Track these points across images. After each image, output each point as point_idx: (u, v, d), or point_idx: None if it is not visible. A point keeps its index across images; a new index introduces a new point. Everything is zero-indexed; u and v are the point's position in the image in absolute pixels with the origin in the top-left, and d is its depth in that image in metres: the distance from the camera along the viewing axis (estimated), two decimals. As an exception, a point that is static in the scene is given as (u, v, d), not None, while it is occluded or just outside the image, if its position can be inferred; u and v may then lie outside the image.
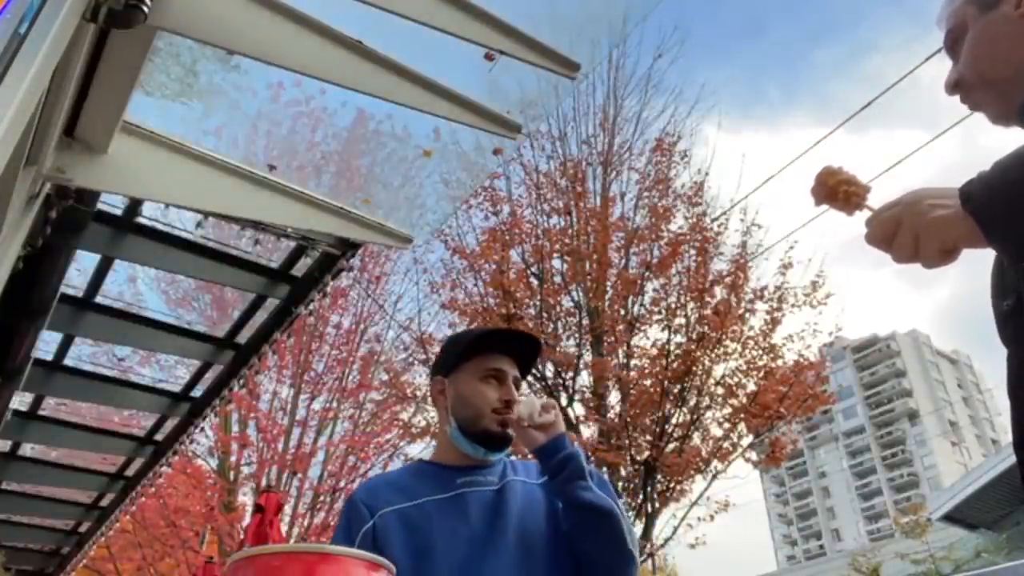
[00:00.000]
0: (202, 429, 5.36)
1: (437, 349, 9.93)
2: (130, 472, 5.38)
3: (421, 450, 10.54)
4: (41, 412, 4.81)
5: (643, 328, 9.42)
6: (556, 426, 1.51)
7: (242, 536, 8.38)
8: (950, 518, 16.72)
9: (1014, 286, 0.99)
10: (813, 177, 1.06)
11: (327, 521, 10.99)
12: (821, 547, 74.69)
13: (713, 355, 9.03)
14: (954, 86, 1.12)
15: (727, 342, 9.10)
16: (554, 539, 1.46)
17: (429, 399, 9.96)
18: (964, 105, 1.13)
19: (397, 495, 1.50)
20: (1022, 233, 0.85)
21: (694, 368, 8.88)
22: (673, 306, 9.23)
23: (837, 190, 1.02)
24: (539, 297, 9.48)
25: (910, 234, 0.91)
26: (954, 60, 1.12)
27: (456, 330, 9.92)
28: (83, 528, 6.28)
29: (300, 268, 3.59)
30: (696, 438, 9.05)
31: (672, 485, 8.73)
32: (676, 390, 8.85)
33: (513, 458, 1.68)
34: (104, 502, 5.83)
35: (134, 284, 9.76)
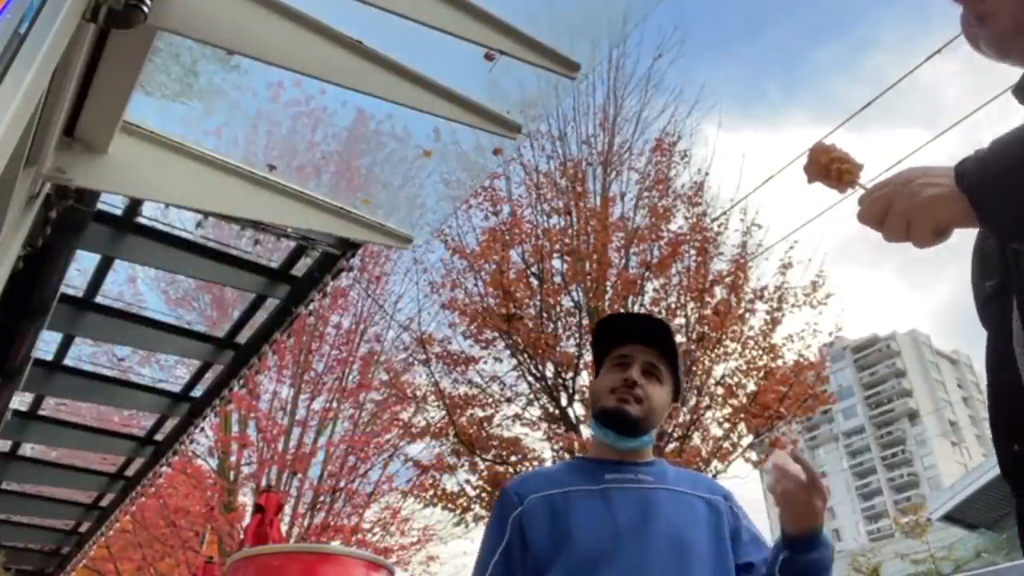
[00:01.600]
0: (202, 429, 5.36)
1: (437, 349, 9.97)
2: (130, 472, 5.38)
3: (421, 450, 10.55)
4: (41, 412, 4.82)
5: (643, 328, 9.41)
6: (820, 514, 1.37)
7: (242, 536, 8.38)
8: (950, 518, 16.72)
9: (997, 267, 0.98)
10: (806, 154, 1.05)
11: (327, 521, 10.99)
12: (821, 547, 74.50)
13: (713, 355, 9.03)
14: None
15: (727, 342, 9.09)
16: (716, 554, 1.43)
17: (429, 399, 10.02)
18: (964, 13, 1.00)
19: (547, 483, 1.53)
20: (1014, 215, 0.84)
21: (694, 368, 8.88)
22: (673, 306, 9.23)
23: (830, 167, 1.01)
24: (539, 297, 9.48)
25: (902, 214, 0.89)
26: None
27: (457, 330, 9.95)
28: (83, 528, 6.28)
29: (300, 268, 3.59)
30: (696, 438, 9.04)
31: (672, 485, 8.71)
32: (676, 390, 8.85)
33: (678, 467, 1.68)
34: (104, 502, 5.83)
35: (134, 284, 9.78)
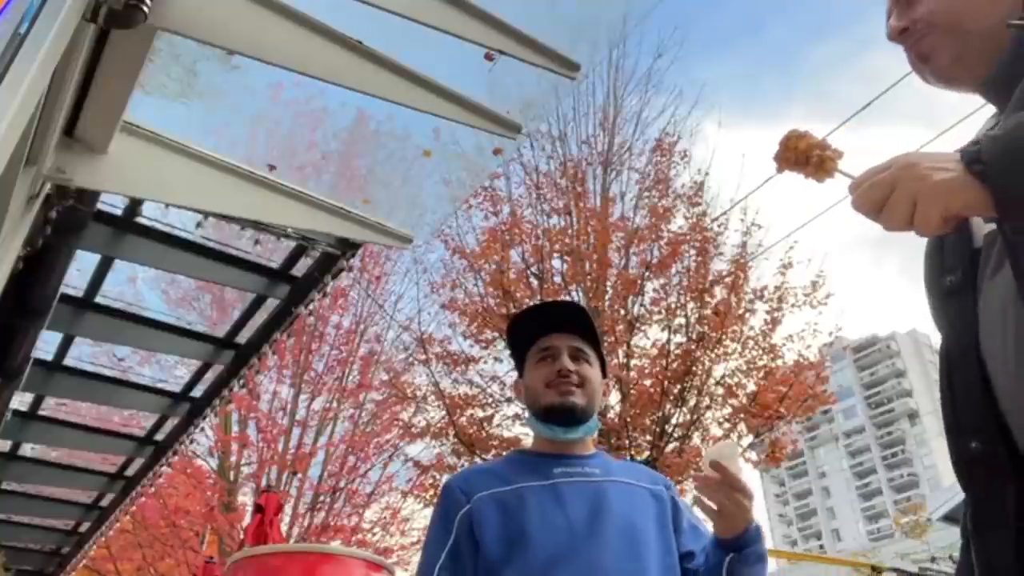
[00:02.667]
0: (202, 429, 5.36)
1: (437, 349, 9.98)
2: (130, 472, 5.38)
3: (421, 450, 10.55)
4: (41, 412, 4.81)
5: (643, 328, 9.42)
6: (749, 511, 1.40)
7: (242, 536, 8.38)
8: (950, 518, 16.71)
9: (958, 262, 0.97)
10: (778, 142, 1.01)
11: (327, 521, 10.99)
12: (821, 547, 74.63)
13: (713, 355, 9.02)
14: (902, 31, 1.07)
15: (727, 342, 9.09)
16: (663, 544, 1.44)
17: (429, 399, 10.02)
18: (908, 53, 1.08)
19: (493, 480, 1.50)
20: None
21: (694, 368, 8.88)
22: (673, 306, 9.22)
23: (809, 154, 0.97)
24: (539, 297, 9.47)
25: (907, 199, 0.84)
26: (900, 5, 1.08)
27: (457, 330, 9.95)
28: (83, 528, 6.28)
29: (300, 268, 3.59)
30: (696, 438, 9.04)
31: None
32: (676, 390, 8.85)
33: (617, 458, 1.67)
34: (104, 502, 5.83)
35: (134, 284, 9.77)
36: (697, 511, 1.54)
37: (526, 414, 1.63)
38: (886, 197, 0.86)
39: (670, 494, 1.56)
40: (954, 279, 0.98)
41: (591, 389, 1.55)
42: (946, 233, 0.89)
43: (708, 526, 1.49)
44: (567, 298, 9.60)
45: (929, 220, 0.83)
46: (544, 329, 1.60)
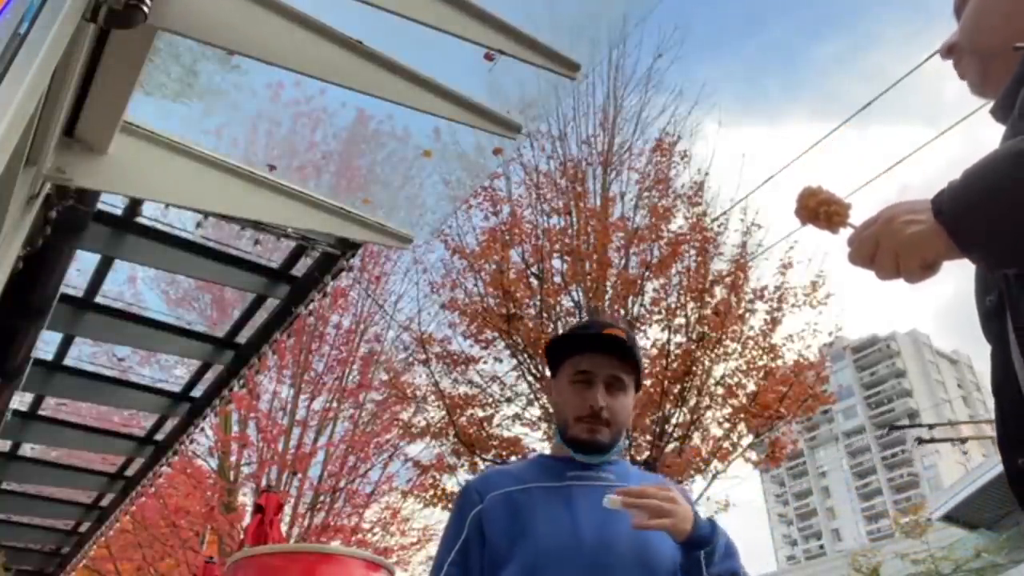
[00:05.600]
0: (202, 429, 5.36)
1: (437, 349, 9.98)
2: (130, 472, 5.38)
3: (421, 450, 10.55)
4: (41, 412, 4.81)
5: (643, 328, 9.42)
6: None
7: (242, 536, 8.37)
8: (950, 518, 16.72)
9: (996, 282, 0.99)
10: (795, 199, 1.07)
11: (327, 521, 10.99)
12: (821, 547, 74.66)
13: (713, 355, 9.02)
14: (948, 50, 1.15)
15: (727, 342, 9.09)
16: (675, 553, 1.42)
17: (429, 399, 10.01)
18: (956, 71, 1.16)
19: (508, 480, 1.52)
20: (993, 242, 0.85)
21: (694, 368, 8.88)
22: (673, 306, 9.22)
23: (818, 211, 1.03)
24: (539, 297, 9.48)
25: (890, 252, 0.91)
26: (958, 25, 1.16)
27: (457, 330, 9.95)
28: (83, 528, 6.28)
29: (300, 268, 3.59)
30: (696, 438, 9.04)
31: (672, 485, 8.72)
32: (676, 390, 8.85)
33: (640, 469, 1.68)
34: (104, 502, 5.83)
35: (134, 284, 9.77)
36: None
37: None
38: (874, 252, 0.93)
39: (691, 509, 1.55)
40: (993, 299, 1.00)
41: (619, 422, 1.54)
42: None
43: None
44: (566, 299, 9.60)
45: (911, 271, 0.90)
46: (586, 346, 1.57)
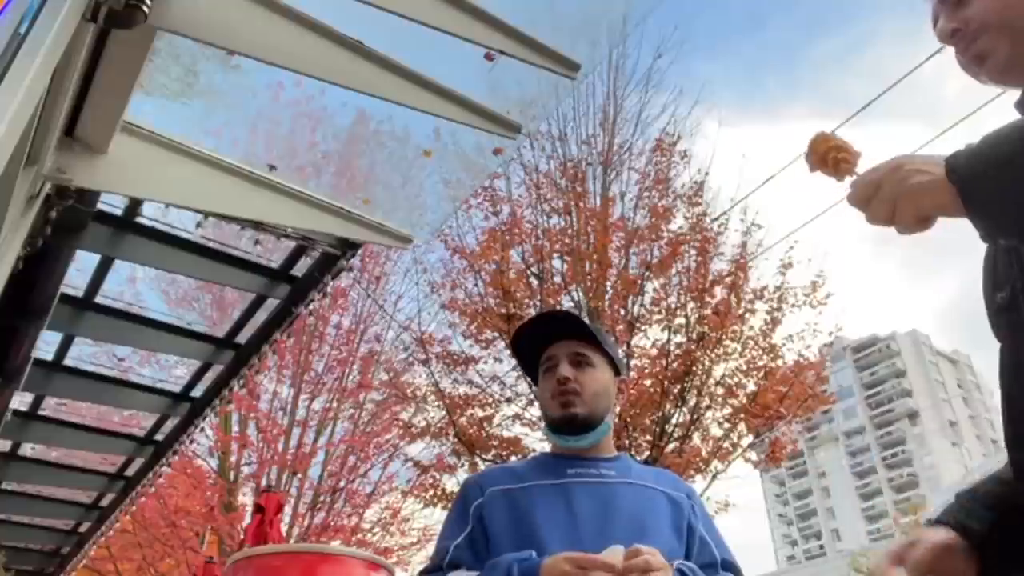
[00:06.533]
0: (202, 429, 5.37)
1: (437, 349, 9.98)
2: (130, 472, 5.38)
3: (421, 450, 10.55)
4: (41, 412, 4.82)
5: (643, 328, 9.42)
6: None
7: (242, 536, 8.38)
8: (950, 518, 16.74)
9: (1008, 278, 0.98)
10: (807, 144, 1.06)
11: (327, 521, 10.99)
12: (821, 547, 74.69)
13: (713, 355, 9.02)
14: (952, 33, 1.05)
15: (727, 342, 9.09)
16: (675, 549, 1.43)
17: (429, 399, 10.01)
18: (959, 54, 1.07)
19: (508, 477, 1.54)
20: (1001, 207, 0.85)
21: (694, 368, 8.88)
22: (673, 306, 9.22)
23: (827, 156, 1.02)
24: (539, 297, 9.48)
25: (888, 198, 0.91)
26: (948, 6, 1.06)
27: (457, 330, 9.95)
28: (83, 528, 6.28)
29: (300, 268, 3.60)
30: (696, 438, 9.04)
31: (672, 485, 8.71)
32: (676, 390, 8.85)
33: (645, 465, 1.70)
34: (104, 502, 5.83)
35: (134, 284, 9.76)
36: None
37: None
38: (873, 196, 0.92)
39: (691, 502, 1.55)
40: (1004, 295, 0.99)
41: (592, 393, 1.54)
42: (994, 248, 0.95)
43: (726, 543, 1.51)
44: (566, 299, 9.60)
45: (905, 219, 0.90)
46: (547, 339, 1.62)
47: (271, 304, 3.84)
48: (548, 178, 10.32)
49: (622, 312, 9.46)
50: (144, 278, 10.17)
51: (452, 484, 9.49)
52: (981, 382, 78.19)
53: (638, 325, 9.34)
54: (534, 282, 9.69)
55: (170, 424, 4.81)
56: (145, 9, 1.72)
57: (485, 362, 9.80)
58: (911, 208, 0.89)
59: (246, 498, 11.09)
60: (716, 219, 9.71)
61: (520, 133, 2.67)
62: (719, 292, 9.26)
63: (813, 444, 79.01)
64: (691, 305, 9.17)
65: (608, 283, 9.50)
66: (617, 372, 1.64)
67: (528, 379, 9.78)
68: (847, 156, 1.00)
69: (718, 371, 9.12)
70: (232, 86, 2.80)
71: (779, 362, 9.22)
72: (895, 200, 0.90)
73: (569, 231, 9.83)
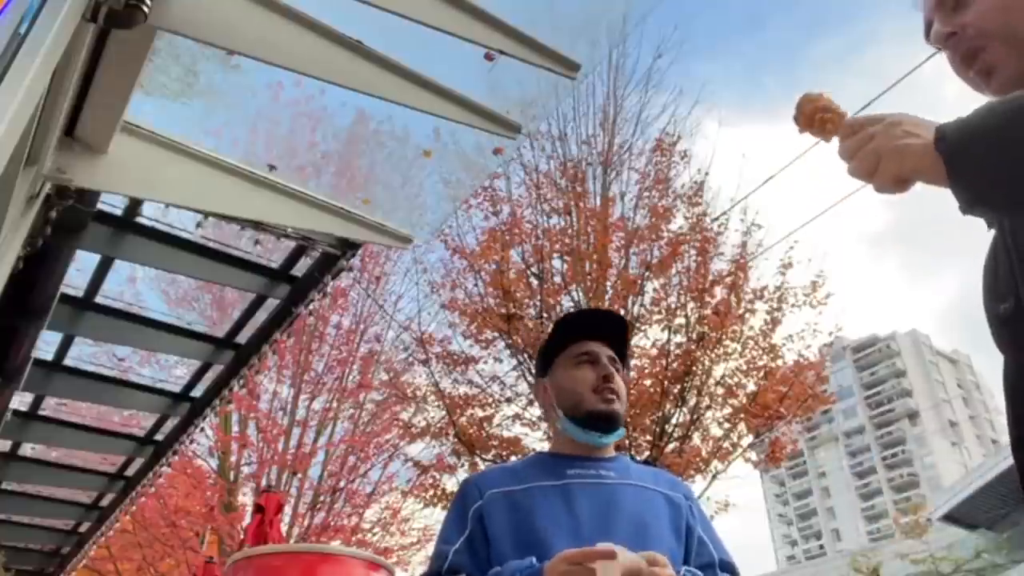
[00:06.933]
0: (202, 429, 5.37)
1: (437, 349, 9.98)
2: (130, 472, 5.38)
3: (421, 450, 10.55)
4: (41, 412, 4.82)
5: (643, 328, 9.42)
6: None
7: (242, 536, 8.38)
8: (950, 518, 16.74)
9: (1011, 289, 0.97)
10: (795, 105, 1.06)
11: (327, 521, 10.98)
12: (821, 547, 74.67)
13: (713, 355, 9.02)
14: (947, 37, 1.03)
15: (727, 342, 9.09)
16: (674, 549, 1.43)
17: (429, 399, 10.01)
18: (952, 57, 1.06)
19: (508, 478, 1.53)
20: (984, 182, 0.86)
21: (694, 368, 8.88)
22: (673, 306, 9.22)
23: (813, 117, 1.02)
24: (539, 297, 9.48)
25: (874, 152, 0.91)
26: (943, 9, 1.04)
27: (457, 330, 9.95)
28: (83, 528, 6.28)
29: (300, 268, 3.60)
30: (696, 438, 9.04)
31: (672, 485, 8.71)
32: (676, 390, 8.85)
33: (641, 464, 1.69)
34: (104, 502, 5.83)
35: (134, 284, 9.75)
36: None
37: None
38: (864, 145, 0.93)
39: (689, 503, 1.55)
40: (1007, 307, 0.98)
41: (624, 396, 1.59)
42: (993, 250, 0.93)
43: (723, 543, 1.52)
44: (566, 299, 9.60)
45: (884, 177, 0.91)
46: (580, 334, 1.63)
47: (271, 304, 3.84)
48: (548, 178, 10.32)
49: (622, 312, 9.47)
50: (144, 278, 10.17)
51: (452, 484, 9.50)
52: (981, 382, 78.19)
53: (638, 325, 9.34)
54: (534, 282, 9.69)
55: (170, 424, 4.81)
56: (145, 9, 1.72)
57: (485, 362, 9.81)
58: (893, 167, 0.90)
59: (246, 498, 11.09)
60: (716, 219, 9.72)
61: (520, 133, 2.67)
62: (719, 292, 9.27)
63: (813, 444, 79.01)
64: (691, 305, 9.17)
65: (608, 283, 9.50)
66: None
67: (532, 370, 9.82)
68: (833, 116, 1.01)
69: (718, 371, 9.12)
70: (232, 86, 2.81)
71: (779, 362, 9.22)
72: (880, 156, 0.91)
73: (569, 231, 9.83)
